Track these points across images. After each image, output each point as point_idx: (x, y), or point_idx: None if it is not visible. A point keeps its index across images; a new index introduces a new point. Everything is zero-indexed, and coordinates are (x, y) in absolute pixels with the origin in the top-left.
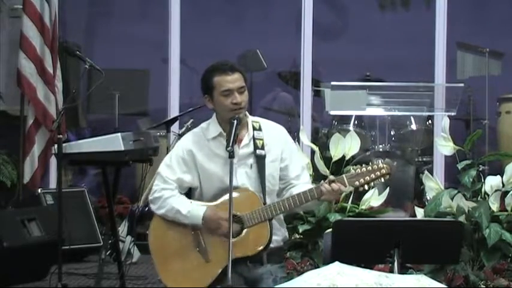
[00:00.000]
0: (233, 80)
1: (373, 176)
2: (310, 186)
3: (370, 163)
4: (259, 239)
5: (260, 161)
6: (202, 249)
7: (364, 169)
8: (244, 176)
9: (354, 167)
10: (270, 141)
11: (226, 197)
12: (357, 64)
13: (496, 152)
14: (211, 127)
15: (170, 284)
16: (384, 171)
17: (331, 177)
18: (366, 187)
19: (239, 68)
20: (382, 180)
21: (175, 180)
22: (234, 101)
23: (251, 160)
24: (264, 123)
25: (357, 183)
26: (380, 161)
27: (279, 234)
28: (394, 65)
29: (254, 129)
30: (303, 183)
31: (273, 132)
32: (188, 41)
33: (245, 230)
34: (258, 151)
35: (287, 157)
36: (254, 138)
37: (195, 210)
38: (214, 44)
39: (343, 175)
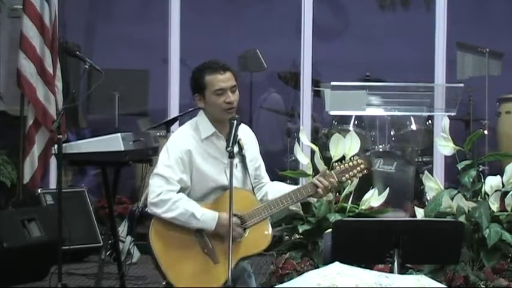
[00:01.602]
0: (226, 79)
1: (355, 171)
2: (278, 182)
3: (349, 160)
4: (262, 237)
5: (244, 161)
6: (210, 251)
7: (347, 165)
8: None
9: (335, 164)
10: (246, 142)
11: (216, 196)
12: (357, 64)
13: (496, 152)
14: (203, 127)
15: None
16: (363, 166)
17: (322, 171)
18: (350, 182)
19: (230, 67)
20: (361, 175)
21: (178, 181)
22: (227, 100)
23: (237, 160)
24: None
25: (343, 178)
26: (355, 158)
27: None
28: (394, 65)
29: None
30: (270, 182)
31: (246, 134)
32: (188, 41)
33: (248, 229)
34: (242, 151)
35: (258, 157)
36: (238, 139)
37: (208, 213)
38: (214, 44)
39: (332, 171)
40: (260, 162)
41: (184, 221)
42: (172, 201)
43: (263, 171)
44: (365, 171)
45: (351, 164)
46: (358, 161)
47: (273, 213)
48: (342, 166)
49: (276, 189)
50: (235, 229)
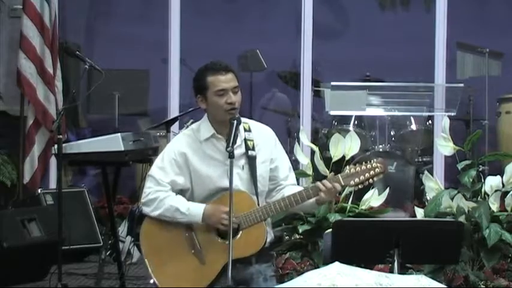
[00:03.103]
0: (227, 80)
1: (367, 175)
2: (299, 187)
3: (364, 162)
4: (255, 240)
5: (251, 162)
6: (197, 252)
7: (358, 168)
8: (236, 177)
9: (349, 166)
10: (259, 142)
11: (217, 198)
12: (357, 64)
13: (496, 152)
14: (203, 128)
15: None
16: (378, 170)
17: (329, 175)
18: (361, 186)
19: (232, 68)
20: (376, 179)
21: (168, 183)
22: (229, 101)
23: (243, 161)
24: (253, 124)
25: (352, 182)
26: (373, 160)
27: (267, 236)
28: (394, 65)
29: (244, 130)
30: (291, 184)
31: (262, 134)
32: (188, 41)
33: (241, 231)
34: (249, 152)
35: (277, 158)
36: (245, 139)
37: (194, 207)
38: (214, 44)
39: (338, 174)
40: (278, 163)
41: (171, 217)
42: (159, 199)
43: (284, 172)
44: (381, 175)
45: (363, 167)
46: (373, 164)
47: (270, 216)
48: (352, 170)
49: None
50: (225, 216)
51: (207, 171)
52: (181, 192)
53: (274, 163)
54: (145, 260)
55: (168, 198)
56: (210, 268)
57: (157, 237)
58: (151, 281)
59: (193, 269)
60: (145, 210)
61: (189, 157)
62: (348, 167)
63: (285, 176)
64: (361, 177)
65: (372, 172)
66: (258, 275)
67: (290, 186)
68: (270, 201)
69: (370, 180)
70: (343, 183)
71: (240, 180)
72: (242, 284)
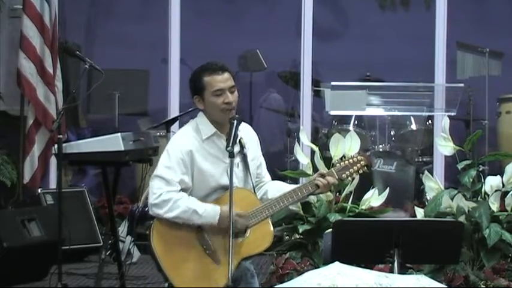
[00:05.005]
0: (224, 80)
1: (355, 168)
2: (277, 181)
3: (350, 157)
4: (264, 236)
5: (245, 159)
6: (212, 253)
7: (347, 162)
8: (233, 175)
9: (337, 161)
10: (247, 141)
11: (218, 196)
12: (357, 64)
13: (496, 152)
14: (204, 127)
15: None
16: (362, 163)
17: (322, 170)
18: (350, 178)
19: (228, 68)
20: (361, 172)
21: (179, 182)
22: (226, 101)
23: (238, 159)
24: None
25: (343, 175)
26: (355, 154)
27: None
28: (394, 65)
29: None
30: (269, 181)
31: (247, 132)
32: (188, 41)
33: (249, 229)
34: (243, 150)
35: (259, 156)
36: (240, 138)
37: (210, 208)
38: (214, 43)
39: (332, 169)
40: (261, 160)
41: (187, 219)
42: (173, 200)
43: (264, 169)
44: (365, 168)
45: (351, 161)
46: (358, 158)
47: (273, 212)
48: (342, 163)
49: (276, 188)
50: (239, 220)
51: (209, 169)
52: (181, 191)
53: (259, 160)
54: (160, 262)
55: (182, 200)
56: (226, 268)
57: (170, 239)
58: (166, 285)
59: (210, 270)
60: (157, 211)
61: (195, 155)
62: (334, 161)
63: (265, 173)
64: (350, 170)
65: (358, 165)
66: (246, 271)
67: (270, 183)
68: (273, 198)
69: (358, 172)
70: (337, 177)
71: (236, 178)
72: (234, 281)
